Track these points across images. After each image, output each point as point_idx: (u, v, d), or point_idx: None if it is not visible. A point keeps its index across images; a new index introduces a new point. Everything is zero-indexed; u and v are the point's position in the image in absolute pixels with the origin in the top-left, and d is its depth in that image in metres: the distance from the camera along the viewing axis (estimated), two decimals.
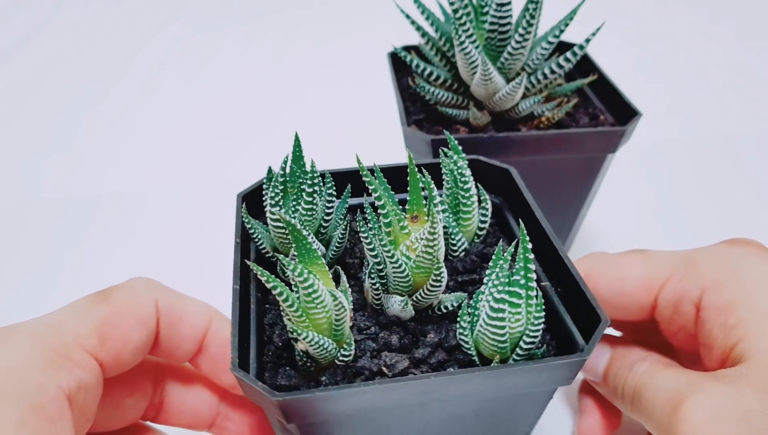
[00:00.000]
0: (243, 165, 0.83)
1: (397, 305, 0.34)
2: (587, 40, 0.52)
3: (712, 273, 0.36)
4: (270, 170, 0.38)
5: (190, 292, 0.38)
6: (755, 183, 0.77)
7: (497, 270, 0.32)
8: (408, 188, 0.34)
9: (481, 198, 0.41)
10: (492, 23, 0.50)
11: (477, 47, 0.51)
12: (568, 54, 0.53)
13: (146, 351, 0.35)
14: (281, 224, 0.36)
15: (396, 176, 0.41)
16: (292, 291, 0.31)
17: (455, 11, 0.49)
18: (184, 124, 0.91)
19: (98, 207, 0.76)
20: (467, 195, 0.39)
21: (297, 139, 0.36)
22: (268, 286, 0.29)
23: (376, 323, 0.35)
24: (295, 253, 0.32)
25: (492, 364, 0.32)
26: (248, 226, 0.38)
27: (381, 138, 0.80)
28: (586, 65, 0.63)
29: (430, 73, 0.56)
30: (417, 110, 0.59)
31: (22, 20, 1.17)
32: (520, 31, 0.50)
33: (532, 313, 0.32)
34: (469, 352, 0.33)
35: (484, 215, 0.41)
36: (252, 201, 0.41)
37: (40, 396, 0.28)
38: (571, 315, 0.35)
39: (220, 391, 0.40)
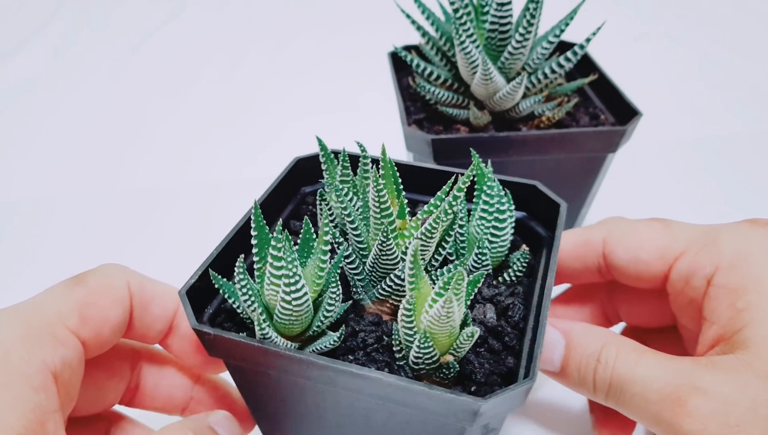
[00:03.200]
0: (242, 165, 0.83)
1: None
2: (588, 40, 0.52)
3: (729, 252, 0.36)
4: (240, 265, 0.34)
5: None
6: (755, 183, 0.77)
7: (488, 189, 0.37)
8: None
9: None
10: (492, 23, 0.50)
11: (477, 47, 0.51)
12: (569, 54, 0.53)
13: (123, 329, 0.36)
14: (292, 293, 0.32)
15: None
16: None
17: (456, 11, 0.49)
18: (183, 125, 0.91)
19: (97, 207, 0.76)
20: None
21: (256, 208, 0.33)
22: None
23: None
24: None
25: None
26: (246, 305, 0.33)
27: (381, 138, 0.80)
28: (586, 65, 0.63)
29: (431, 73, 0.56)
30: (417, 110, 0.59)
31: (22, 20, 1.17)
32: (521, 30, 0.50)
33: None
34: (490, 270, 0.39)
35: None
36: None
37: (25, 367, 0.29)
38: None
39: (193, 376, 0.41)
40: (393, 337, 0.33)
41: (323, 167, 0.38)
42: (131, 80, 1.03)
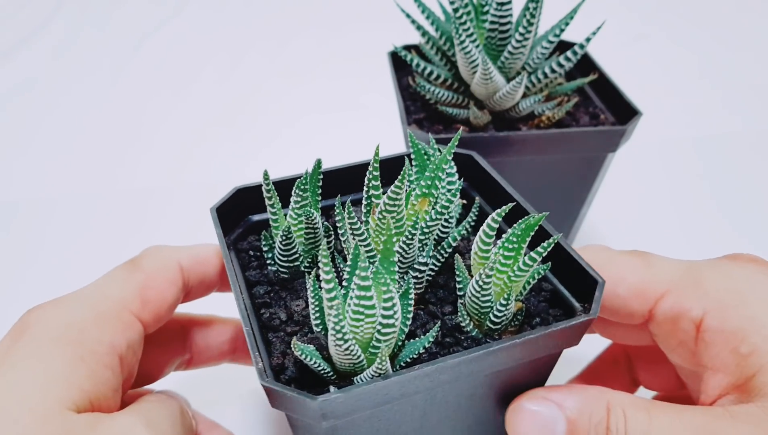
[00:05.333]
0: (242, 165, 0.83)
1: None
2: (588, 39, 0.52)
3: (717, 292, 0.34)
4: None
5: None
6: (755, 183, 0.77)
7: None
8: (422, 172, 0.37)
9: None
10: (492, 22, 0.50)
11: (477, 46, 0.51)
12: (569, 53, 0.53)
13: (177, 305, 0.40)
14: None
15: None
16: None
17: (455, 10, 0.49)
18: (183, 124, 0.91)
19: (96, 207, 0.76)
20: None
21: None
22: None
23: None
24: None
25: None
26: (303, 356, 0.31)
27: (381, 137, 0.80)
28: (586, 64, 0.63)
29: (431, 73, 0.56)
30: (417, 109, 0.59)
31: (22, 20, 1.17)
32: (521, 30, 0.50)
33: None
34: None
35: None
36: None
37: (97, 346, 0.33)
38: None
39: (233, 325, 0.45)
40: (459, 314, 0.35)
41: (269, 202, 0.38)
42: (131, 80, 1.03)
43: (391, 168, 0.44)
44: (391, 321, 0.29)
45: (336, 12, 1.22)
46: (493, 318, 0.33)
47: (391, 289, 0.29)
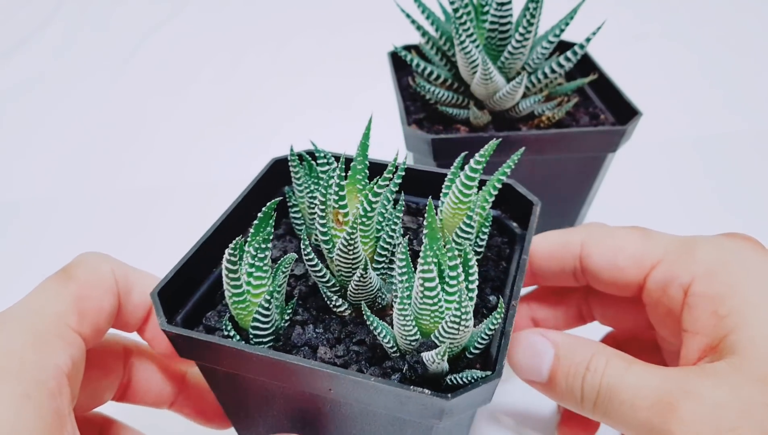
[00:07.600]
0: (242, 164, 0.83)
1: None
2: (588, 40, 0.52)
3: (705, 261, 0.36)
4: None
5: None
6: (755, 182, 0.77)
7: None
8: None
9: None
10: (492, 22, 0.50)
11: (477, 46, 0.51)
12: (569, 53, 0.53)
13: (114, 316, 0.36)
14: None
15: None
16: None
17: (456, 10, 0.49)
18: (183, 124, 0.91)
19: (97, 206, 0.76)
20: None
21: None
22: None
23: None
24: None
25: None
26: None
27: (381, 137, 0.80)
28: (586, 64, 0.63)
29: (431, 73, 0.56)
30: (417, 109, 0.59)
31: (22, 20, 1.17)
32: (521, 30, 0.50)
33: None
34: None
35: None
36: None
37: (41, 373, 0.30)
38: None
39: (181, 372, 0.42)
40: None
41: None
42: (131, 80, 1.03)
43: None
44: (474, 285, 0.32)
45: (336, 12, 1.22)
46: (479, 243, 0.38)
47: (471, 256, 0.31)
